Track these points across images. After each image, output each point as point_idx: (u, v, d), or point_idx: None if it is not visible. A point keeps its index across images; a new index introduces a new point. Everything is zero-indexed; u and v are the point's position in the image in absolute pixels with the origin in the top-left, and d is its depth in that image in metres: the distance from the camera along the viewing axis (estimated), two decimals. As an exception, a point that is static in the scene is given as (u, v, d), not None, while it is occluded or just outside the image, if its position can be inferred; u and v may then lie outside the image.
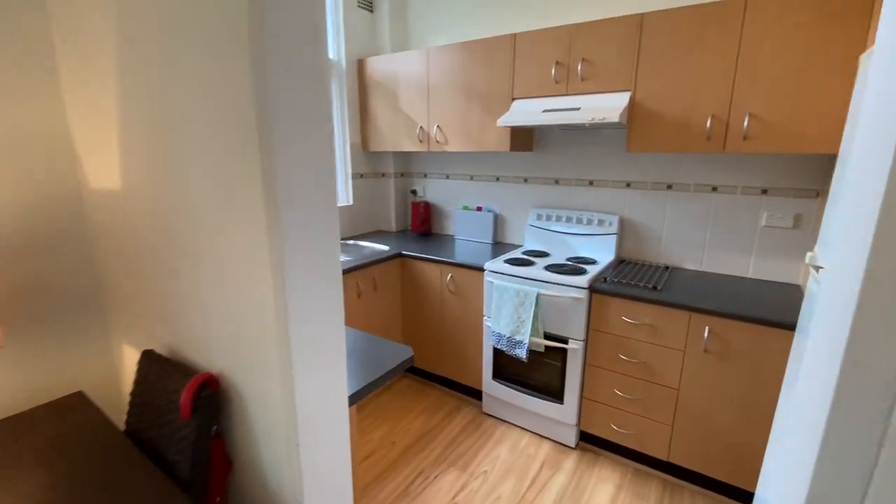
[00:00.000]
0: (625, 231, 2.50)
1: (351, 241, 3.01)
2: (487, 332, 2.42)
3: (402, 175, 3.33)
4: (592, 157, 2.53)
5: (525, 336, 2.18)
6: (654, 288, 2.00)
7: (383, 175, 3.30)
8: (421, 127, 2.79)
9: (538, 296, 2.12)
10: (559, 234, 2.62)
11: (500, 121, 2.28)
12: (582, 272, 2.17)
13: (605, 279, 2.12)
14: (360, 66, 3.00)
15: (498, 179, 2.92)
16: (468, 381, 2.64)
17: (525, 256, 2.49)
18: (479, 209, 3.02)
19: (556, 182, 2.69)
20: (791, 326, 1.62)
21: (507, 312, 2.24)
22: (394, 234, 3.26)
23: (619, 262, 2.43)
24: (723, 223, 2.22)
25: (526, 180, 2.81)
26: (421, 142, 2.82)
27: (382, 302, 2.65)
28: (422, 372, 2.88)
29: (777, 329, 1.66)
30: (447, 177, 3.17)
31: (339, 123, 3.03)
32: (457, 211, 3.08)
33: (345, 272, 2.34)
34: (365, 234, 3.25)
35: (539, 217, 2.69)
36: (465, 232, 3.06)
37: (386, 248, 2.82)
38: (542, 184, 2.74)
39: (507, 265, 2.31)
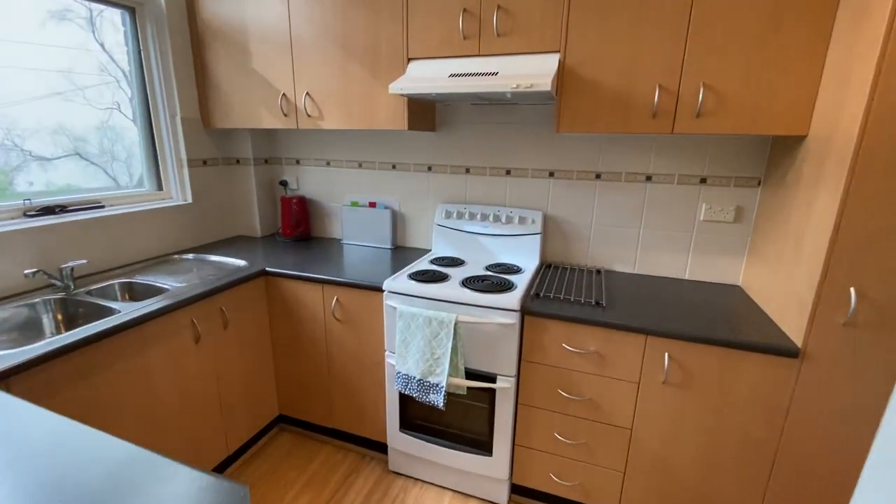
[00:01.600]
0: (549, 230, 2.08)
1: (190, 256, 2.15)
2: (391, 373, 1.82)
3: (265, 161, 2.52)
4: (510, 139, 2.06)
5: (441, 377, 1.63)
6: (598, 304, 1.59)
7: (238, 161, 2.46)
8: (284, 95, 2.04)
9: (457, 324, 1.59)
10: (473, 236, 2.11)
11: (392, 87, 1.66)
12: (508, 286, 1.68)
13: (538, 294, 1.67)
14: (191, 7, 2.11)
15: (394, 167, 2.31)
16: (368, 433, 2.03)
17: (435, 267, 1.94)
18: (371, 205, 2.38)
19: (467, 171, 2.17)
20: (769, 349, 1.31)
21: (416, 347, 1.66)
22: (259, 240, 2.46)
23: (546, 268, 2.01)
24: (658, 218, 1.90)
25: (430, 168, 2.24)
26: (286, 115, 2.07)
27: (238, 342, 1.89)
28: (306, 423, 2.19)
29: (748, 352, 1.35)
30: (328, 163, 2.46)
31: (159, 89, 2.11)
32: (343, 208, 2.40)
33: (170, 309, 1.54)
34: (216, 242, 2.40)
35: (448, 215, 2.15)
36: (356, 234, 2.40)
37: (242, 262, 2.04)
38: (451, 173, 2.20)
39: (413, 283, 1.73)
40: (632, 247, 1.97)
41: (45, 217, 1.71)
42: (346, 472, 2.00)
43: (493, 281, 1.75)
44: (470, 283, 1.73)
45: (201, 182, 2.30)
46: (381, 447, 2.06)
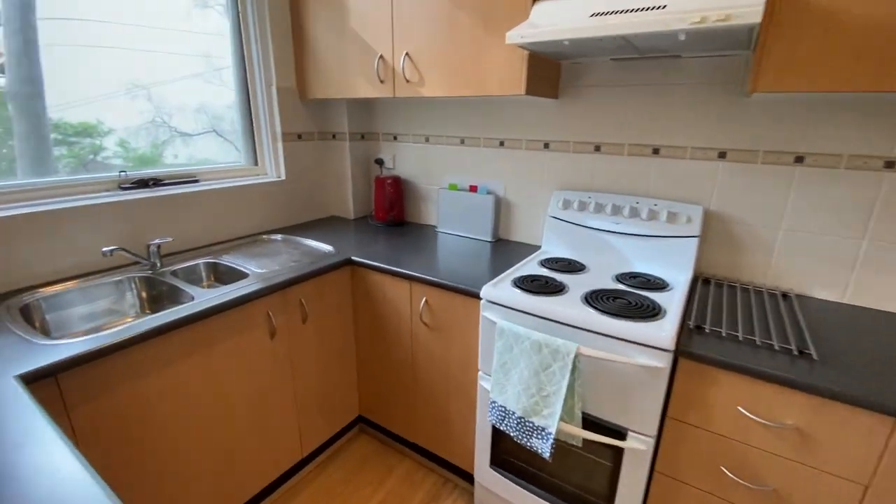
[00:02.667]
0: (711, 232, 1.53)
1: (279, 237, 2.01)
2: (484, 398, 1.48)
3: (361, 137, 2.30)
4: (662, 106, 1.53)
5: (550, 421, 1.24)
6: (802, 353, 1.06)
7: (334, 136, 2.27)
8: (381, 57, 1.75)
9: (577, 357, 1.17)
10: (599, 234, 1.64)
11: (510, 35, 1.25)
12: (653, 311, 1.21)
13: (700, 327, 1.17)
14: (290, -39, 1.92)
15: (502, 144, 1.91)
16: (454, 458, 1.73)
17: (546, 272, 1.53)
18: (472, 189, 2.02)
19: (597, 149, 1.69)
20: None
21: (519, 377, 1.29)
22: (351, 223, 2.27)
23: (702, 285, 1.48)
24: (901, 225, 1.26)
25: (546, 146, 1.80)
26: (383, 81, 1.78)
27: (318, 338, 1.70)
28: (387, 430, 1.97)
29: None
30: (426, 140, 2.15)
31: (256, 56, 1.97)
32: (440, 191, 2.08)
33: (244, 301, 1.36)
34: (307, 223, 2.25)
35: (566, 204, 1.70)
36: (452, 222, 2.07)
37: (329, 248, 1.83)
38: (574, 151, 1.74)
39: (519, 292, 1.34)
40: (845, 264, 1.35)
41: (139, 190, 1.66)
42: (426, 497, 1.73)
43: (631, 301, 1.28)
44: (597, 299, 1.29)
45: (295, 158, 2.15)
46: (469, 475, 1.75)
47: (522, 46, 1.33)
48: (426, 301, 1.57)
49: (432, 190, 2.19)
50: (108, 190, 1.61)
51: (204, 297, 1.33)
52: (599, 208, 1.64)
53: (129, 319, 1.50)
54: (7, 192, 1.38)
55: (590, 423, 1.26)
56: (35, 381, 0.95)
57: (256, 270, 1.59)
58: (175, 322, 1.19)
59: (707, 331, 1.16)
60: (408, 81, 1.71)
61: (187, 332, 1.25)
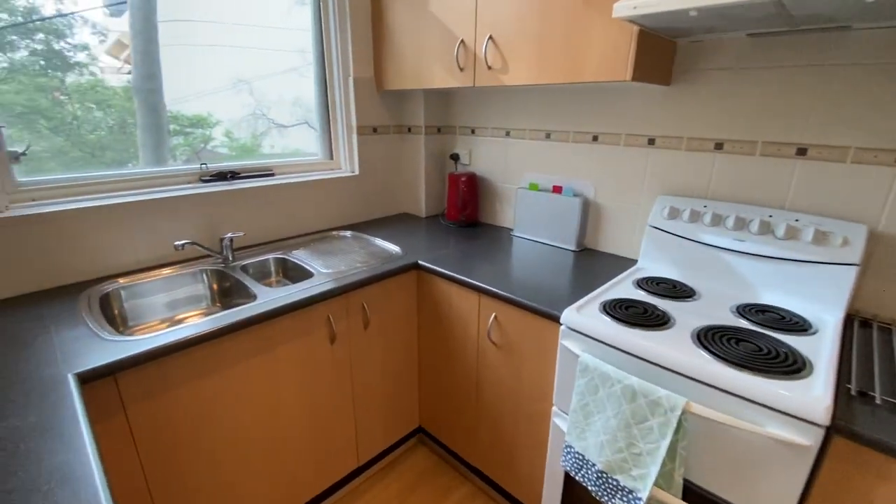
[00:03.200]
0: (876, 259, 1.16)
1: (348, 233, 1.95)
2: (557, 438, 1.28)
3: (438, 130, 2.16)
4: (818, 96, 1.18)
5: (642, 484, 1.01)
6: None
7: (409, 130, 2.15)
8: (462, 42, 1.58)
9: (685, 413, 0.93)
10: (715, 252, 1.34)
11: (618, 7, 1.02)
12: (794, 364, 0.92)
13: (864, 393, 0.87)
14: (373, -56, 1.81)
15: (596, 139, 1.65)
16: (519, 494, 1.55)
17: (645, 295, 1.27)
18: (556, 190, 1.79)
19: (718, 147, 1.38)
20: None
21: (604, 424, 1.07)
22: (423, 222, 2.15)
23: (861, 329, 1.13)
24: None
25: (652, 142, 1.52)
26: (462, 69, 1.62)
27: (380, 344, 1.60)
28: (447, 446, 1.83)
29: None
30: (507, 133, 1.95)
31: (335, 44, 1.90)
32: (519, 191, 1.88)
33: (308, 303, 1.29)
34: (378, 220, 2.18)
35: (673, 213, 1.42)
36: (530, 226, 1.86)
37: (396, 249, 1.73)
38: (687, 149, 1.44)
39: (609, 321, 1.11)
40: None
41: (217, 183, 1.67)
42: (483, 529, 1.57)
43: (762, 346, 0.99)
44: (713, 340, 1.02)
45: (369, 152, 2.07)
46: (531, 514, 1.56)
47: (633, 20, 1.08)
48: (495, 317, 1.40)
49: (510, 189, 1.99)
50: (189, 182, 1.64)
51: (266, 298, 1.28)
52: (717, 220, 1.33)
53: (201, 311, 1.51)
54: (97, 183, 1.44)
55: (693, 494, 1.00)
56: (92, 381, 0.94)
57: (322, 270, 1.52)
58: (234, 324, 1.14)
59: (878, 401, 0.85)
60: (489, 69, 1.53)
61: (246, 335, 1.20)
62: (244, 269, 1.57)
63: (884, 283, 1.16)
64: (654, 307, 1.18)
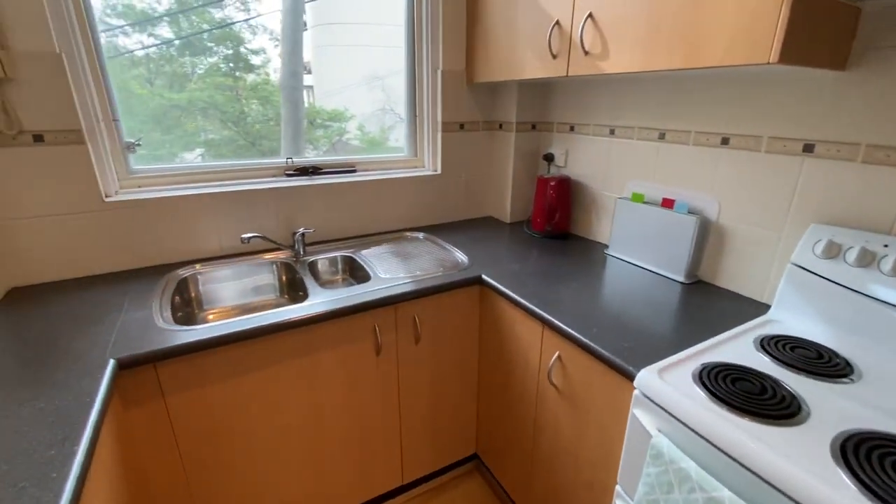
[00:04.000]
0: None
1: (421, 235, 1.85)
2: (618, 522, 1.00)
3: (532, 127, 1.93)
4: None
5: None
6: None
7: (500, 126, 1.96)
8: (557, 24, 1.34)
9: (800, 567, 0.61)
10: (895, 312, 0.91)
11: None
12: None
13: None
14: (472, -79, 1.65)
15: (725, 143, 1.27)
16: (570, 565, 1.30)
17: (770, 362, 0.91)
18: (666, 204, 1.44)
19: (923, 160, 0.92)
20: None
21: (674, 534, 0.78)
22: (506, 228, 1.95)
23: None
24: None
25: (809, 148, 1.10)
26: (555, 56, 1.37)
27: (433, 362, 1.47)
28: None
29: None
30: (611, 132, 1.64)
31: (426, 35, 1.79)
32: (619, 202, 1.57)
33: (353, 311, 1.22)
34: (459, 222, 2.04)
35: (831, 249, 1.00)
36: (629, 246, 1.54)
37: (463, 258, 1.57)
38: (865, 161, 1.00)
39: (706, 398, 0.81)
40: None
41: (299, 178, 1.70)
42: (527, 592, 1.35)
43: (967, 490, 0.61)
44: (870, 458, 0.66)
45: (454, 150, 1.94)
46: None
47: (783, -25, 0.74)
48: (559, 357, 1.16)
49: (609, 198, 1.68)
50: (275, 175, 1.69)
51: (315, 300, 1.25)
52: (908, 268, 0.90)
53: (269, 301, 1.56)
54: (196, 173, 1.56)
55: None
56: (133, 367, 0.98)
57: (381, 275, 1.44)
58: (269, 326, 1.12)
59: None
60: (586, 53, 1.26)
61: (287, 337, 1.17)
62: (311, 264, 1.58)
63: None
64: (780, 385, 0.83)
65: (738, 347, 0.97)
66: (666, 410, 0.83)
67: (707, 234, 1.35)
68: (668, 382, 0.85)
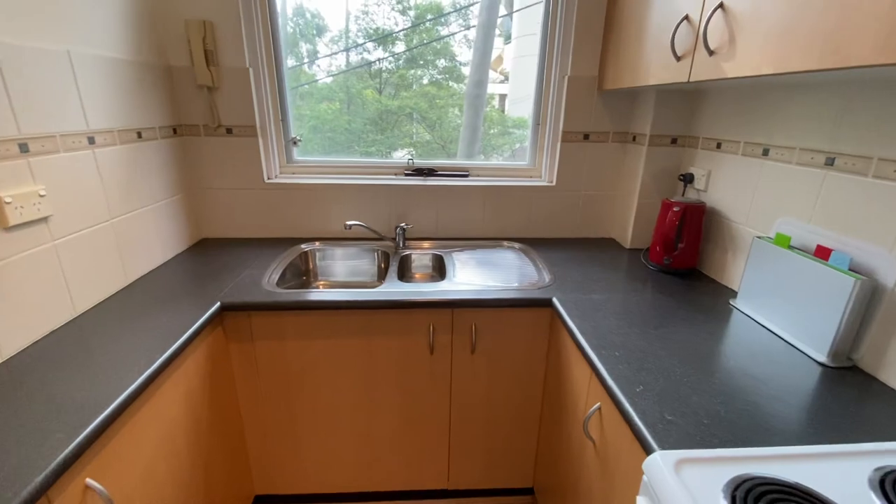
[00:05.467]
0: None
1: (518, 245, 1.78)
2: None
3: (673, 141, 1.64)
4: None
5: None
6: None
7: (634, 139, 1.73)
8: (686, 18, 1.12)
9: None
10: None
11: None
12: None
13: None
14: (623, -87, 1.49)
15: (923, 176, 0.86)
16: None
17: (873, 508, 0.60)
18: (821, 253, 1.05)
19: None
20: None
21: None
22: (624, 254, 1.72)
23: None
24: None
25: None
26: (679, 57, 1.15)
27: (487, 374, 1.42)
28: (552, 529, 1.48)
29: None
30: (764, 152, 1.27)
31: (559, 37, 1.70)
32: (756, 242, 1.22)
33: (409, 305, 1.30)
34: (568, 240, 1.88)
35: None
36: (763, 301, 1.18)
37: (547, 278, 1.46)
38: None
39: (716, 511, 0.59)
40: None
41: (415, 177, 1.84)
42: None
43: None
44: None
45: (574, 161, 1.80)
46: None
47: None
48: (599, 409, 0.99)
49: (748, 234, 1.31)
50: (396, 174, 1.88)
51: (384, 289, 1.36)
52: None
53: (367, 282, 1.75)
54: (338, 167, 1.85)
55: None
56: (234, 311, 1.26)
57: (455, 278, 1.47)
58: (332, 303, 1.28)
59: None
60: (711, 53, 1.02)
61: (347, 316, 1.31)
62: (405, 257, 1.70)
63: None
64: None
65: (838, 469, 0.67)
66: (662, 511, 0.63)
67: (877, 305, 0.94)
68: (684, 480, 0.65)
